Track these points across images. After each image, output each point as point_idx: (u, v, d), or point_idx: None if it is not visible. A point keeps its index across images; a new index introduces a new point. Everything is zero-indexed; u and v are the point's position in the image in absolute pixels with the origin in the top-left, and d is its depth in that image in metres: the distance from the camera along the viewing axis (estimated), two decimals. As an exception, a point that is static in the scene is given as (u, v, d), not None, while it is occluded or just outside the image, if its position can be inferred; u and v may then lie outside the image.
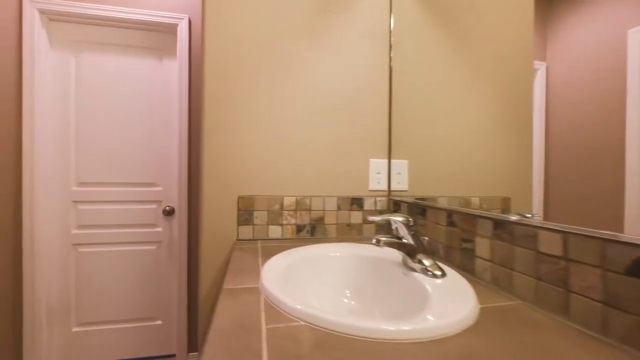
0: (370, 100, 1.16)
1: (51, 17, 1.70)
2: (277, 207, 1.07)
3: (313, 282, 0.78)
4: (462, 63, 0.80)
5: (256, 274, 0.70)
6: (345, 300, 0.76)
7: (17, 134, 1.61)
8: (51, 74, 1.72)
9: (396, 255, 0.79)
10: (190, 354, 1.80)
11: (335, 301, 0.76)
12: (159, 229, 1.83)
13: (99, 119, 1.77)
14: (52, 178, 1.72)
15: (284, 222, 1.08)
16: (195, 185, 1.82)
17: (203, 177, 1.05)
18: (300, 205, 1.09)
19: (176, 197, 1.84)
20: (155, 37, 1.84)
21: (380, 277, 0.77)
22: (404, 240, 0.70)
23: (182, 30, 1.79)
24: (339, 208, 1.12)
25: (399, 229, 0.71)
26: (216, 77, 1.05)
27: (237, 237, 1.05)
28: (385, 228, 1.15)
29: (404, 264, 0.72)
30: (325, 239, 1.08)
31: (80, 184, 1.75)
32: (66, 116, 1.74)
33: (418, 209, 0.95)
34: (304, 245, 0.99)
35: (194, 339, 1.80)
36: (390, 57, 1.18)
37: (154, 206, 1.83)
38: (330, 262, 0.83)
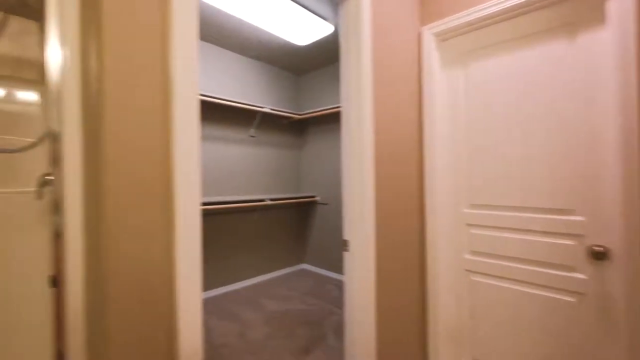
0: None
1: (443, 38, 1.70)
2: None
3: None
4: None
5: None
6: None
7: (419, 156, 1.73)
8: (442, 94, 1.72)
9: None
10: None
11: None
12: (581, 276, 1.30)
13: (490, 132, 1.55)
14: (445, 198, 1.71)
15: None
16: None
17: None
18: None
19: (611, 233, 1.23)
20: (561, 9, 1.34)
21: None
22: None
23: (625, -23, 1.15)
24: None
25: None
26: None
27: None
28: None
29: None
30: None
31: (472, 206, 1.62)
32: (454, 133, 1.68)
33: None
34: None
35: None
36: None
37: (569, 242, 1.33)
38: None
